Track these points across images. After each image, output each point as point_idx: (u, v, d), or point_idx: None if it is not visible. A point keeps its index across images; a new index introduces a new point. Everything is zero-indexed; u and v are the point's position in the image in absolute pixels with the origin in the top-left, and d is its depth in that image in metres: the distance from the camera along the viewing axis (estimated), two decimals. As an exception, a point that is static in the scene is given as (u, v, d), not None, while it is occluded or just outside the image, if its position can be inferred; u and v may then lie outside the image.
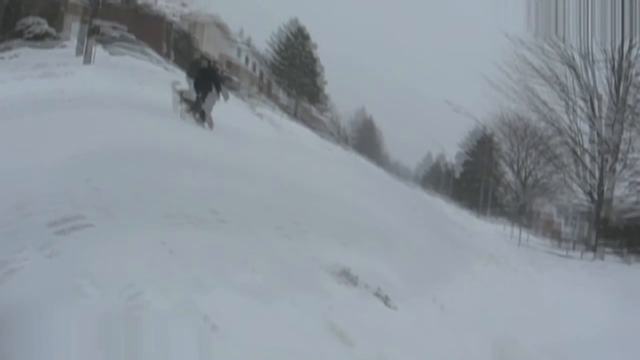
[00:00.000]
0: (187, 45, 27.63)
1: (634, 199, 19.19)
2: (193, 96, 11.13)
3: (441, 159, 53.95)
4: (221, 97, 11.31)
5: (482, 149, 39.01)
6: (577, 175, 20.15)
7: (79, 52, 16.82)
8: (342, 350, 3.63)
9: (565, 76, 19.44)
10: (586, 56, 18.72)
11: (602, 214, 19.11)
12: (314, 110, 45.93)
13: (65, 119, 7.96)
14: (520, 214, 27.29)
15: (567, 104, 19.84)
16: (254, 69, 42.62)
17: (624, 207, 19.63)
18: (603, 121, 19.15)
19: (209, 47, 32.06)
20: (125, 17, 22.59)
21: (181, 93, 11.25)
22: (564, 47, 18.85)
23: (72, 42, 18.46)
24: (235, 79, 31.17)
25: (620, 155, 18.90)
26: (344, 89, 69.39)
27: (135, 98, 11.13)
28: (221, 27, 36.29)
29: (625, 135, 18.82)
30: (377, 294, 4.90)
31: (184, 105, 11.14)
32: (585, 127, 19.78)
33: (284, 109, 35.71)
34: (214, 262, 3.96)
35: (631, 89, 18.56)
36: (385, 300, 4.87)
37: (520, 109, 22.23)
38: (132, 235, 4.01)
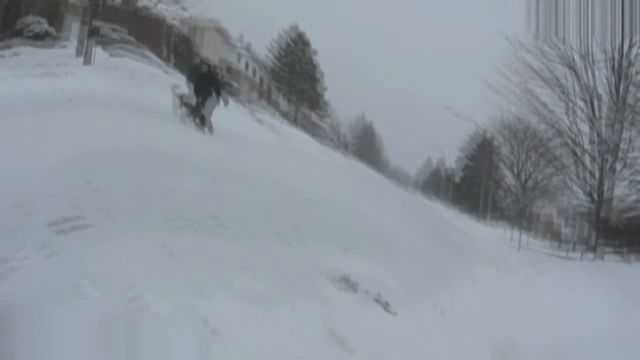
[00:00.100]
0: (187, 49, 27.62)
1: (634, 197, 19.21)
2: (193, 100, 11.11)
3: (441, 164, 54.08)
4: (221, 102, 11.30)
5: (482, 152, 39.05)
6: (577, 176, 20.16)
7: (79, 52, 16.80)
8: (342, 356, 3.61)
9: (565, 77, 19.52)
10: (586, 56, 18.78)
11: (602, 214, 19.12)
12: (314, 117, 46.06)
13: (65, 119, 7.96)
14: (520, 216, 27.26)
15: (567, 105, 19.90)
16: (254, 74, 42.72)
17: (624, 206, 19.65)
18: (603, 121, 19.20)
19: (209, 51, 32.11)
20: (125, 19, 22.58)
21: (181, 97, 11.24)
22: (564, 48, 18.92)
23: (72, 43, 18.41)
24: (235, 84, 31.23)
25: (620, 155, 18.91)
26: (344, 95, 69.66)
27: (135, 100, 11.11)
28: (221, 32, 36.39)
29: (625, 134, 18.89)
30: (377, 300, 4.88)
31: (184, 110, 11.13)
32: (585, 127, 19.89)
33: (284, 115, 35.76)
34: (214, 267, 3.93)
35: (631, 88, 18.60)
36: (386, 306, 4.85)
37: (520, 112, 22.27)
38: (132, 237, 3.99)
